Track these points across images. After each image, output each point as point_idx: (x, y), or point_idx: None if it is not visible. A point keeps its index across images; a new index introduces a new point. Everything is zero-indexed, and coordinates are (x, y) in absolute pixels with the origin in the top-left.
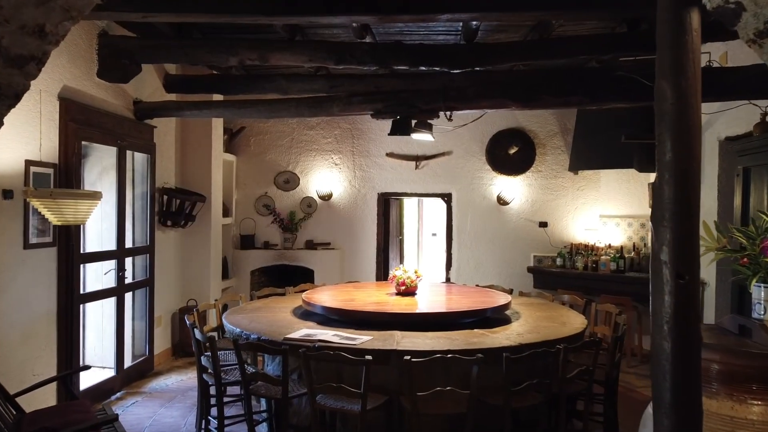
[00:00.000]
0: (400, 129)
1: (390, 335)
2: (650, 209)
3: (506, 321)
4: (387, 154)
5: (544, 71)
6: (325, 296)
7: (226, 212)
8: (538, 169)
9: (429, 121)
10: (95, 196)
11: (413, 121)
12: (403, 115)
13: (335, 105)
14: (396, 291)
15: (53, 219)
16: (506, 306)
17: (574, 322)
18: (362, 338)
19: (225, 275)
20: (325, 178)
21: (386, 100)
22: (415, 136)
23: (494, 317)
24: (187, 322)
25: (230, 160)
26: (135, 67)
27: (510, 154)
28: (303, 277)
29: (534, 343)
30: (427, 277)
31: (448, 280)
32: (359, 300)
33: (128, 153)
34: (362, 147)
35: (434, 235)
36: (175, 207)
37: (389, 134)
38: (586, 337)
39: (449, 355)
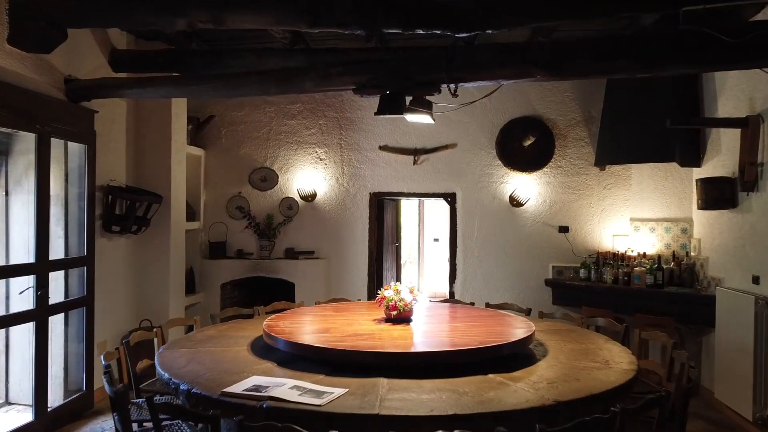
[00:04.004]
0: (390, 107)
1: (373, 386)
2: (696, 210)
3: (529, 359)
4: (380, 147)
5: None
6: (293, 324)
7: (192, 215)
8: (558, 164)
9: (428, 97)
10: None
11: (408, 99)
12: (394, 90)
13: (308, 79)
14: (386, 316)
15: None
16: (529, 339)
17: (618, 359)
18: (332, 392)
19: (191, 289)
20: (308, 175)
21: (373, 71)
22: (409, 117)
23: (513, 352)
24: (102, 363)
25: (197, 155)
26: (59, 34)
27: (524, 146)
28: (283, 291)
29: (575, 400)
30: (429, 287)
31: (452, 295)
32: (337, 330)
33: (57, 142)
34: (351, 139)
35: (436, 240)
36: (123, 209)
37: (376, 113)
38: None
39: (455, 431)
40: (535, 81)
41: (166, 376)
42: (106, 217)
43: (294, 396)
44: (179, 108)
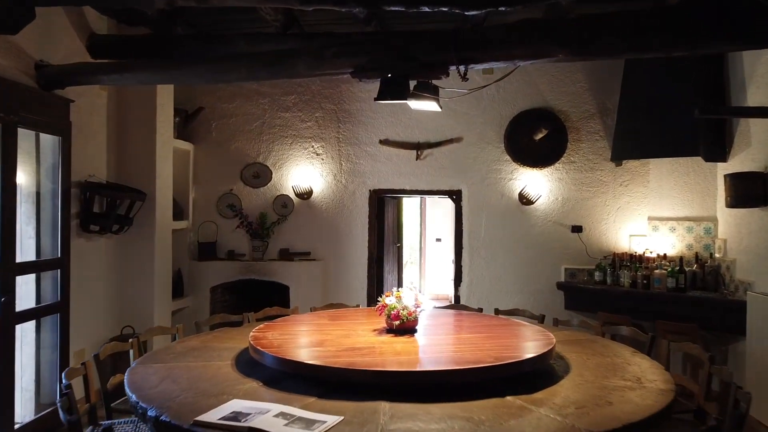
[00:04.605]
0: (392, 91)
1: (372, 412)
2: (722, 208)
3: (550, 376)
4: (381, 142)
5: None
6: (283, 335)
7: (179, 214)
8: (571, 159)
9: (434, 82)
10: None
11: (412, 84)
12: (396, 73)
13: (301, 61)
14: (387, 326)
15: None
16: (550, 353)
17: (651, 376)
18: (324, 421)
19: (178, 293)
20: (303, 171)
21: (372, 52)
22: (413, 103)
23: (533, 368)
24: (63, 383)
25: (185, 149)
26: (26, 12)
27: (535, 140)
28: (277, 295)
29: (612, 431)
30: (431, 289)
31: (457, 299)
32: (332, 343)
33: (27, 134)
34: (350, 132)
35: (439, 240)
36: (103, 207)
37: (376, 98)
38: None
39: None
40: (556, 61)
41: (134, 398)
42: (84, 215)
43: (279, 427)
44: (165, 99)
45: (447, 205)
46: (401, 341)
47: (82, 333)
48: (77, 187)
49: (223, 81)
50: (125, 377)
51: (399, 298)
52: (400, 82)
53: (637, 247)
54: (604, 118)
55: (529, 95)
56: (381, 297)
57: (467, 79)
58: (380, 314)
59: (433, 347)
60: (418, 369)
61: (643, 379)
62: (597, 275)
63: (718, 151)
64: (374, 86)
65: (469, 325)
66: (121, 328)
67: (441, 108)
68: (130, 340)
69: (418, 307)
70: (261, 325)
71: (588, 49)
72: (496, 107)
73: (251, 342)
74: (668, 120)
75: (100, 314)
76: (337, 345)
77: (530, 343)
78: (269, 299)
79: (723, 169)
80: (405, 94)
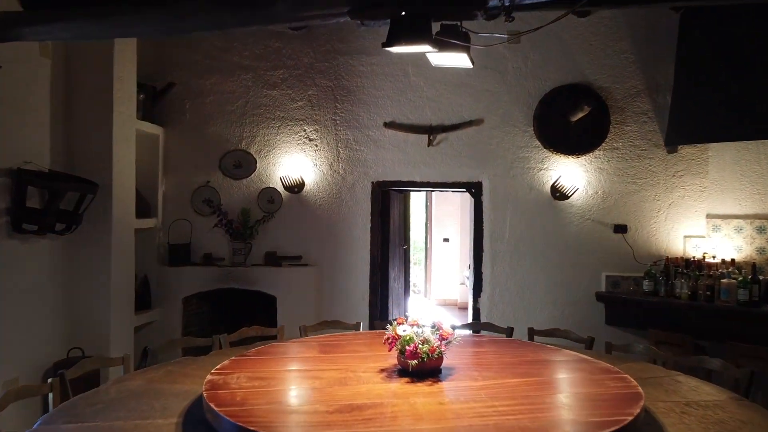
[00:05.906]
0: (407, 34)
1: None
2: None
3: None
4: (385, 124)
5: None
6: (252, 381)
7: (146, 210)
8: (613, 145)
9: (463, 27)
10: None
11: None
12: (411, 11)
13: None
14: (399, 364)
15: None
16: (640, 416)
17: None
18: None
19: (144, 305)
20: (294, 160)
21: None
22: (436, 57)
23: None
24: None
25: (153, 133)
26: None
27: (571, 123)
28: (262, 306)
29: None
30: (437, 293)
31: (476, 312)
32: (323, 393)
33: None
34: (349, 113)
35: (446, 240)
36: (43, 202)
37: (384, 45)
38: None
39: None
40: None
41: None
42: (15, 211)
43: None
44: (125, 70)
45: (456, 201)
46: (421, 392)
47: (16, 358)
48: (6, 175)
49: (179, 31)
50: None
51: (416, 324)
52: (417, 22)
53: (694, 251)
54: (654, 96)
55: (563, 69)
56: (390, 325)
57: (513, 18)
58: (390, 349)
59: (470, 405)
60: None
61: None
62: (646, 285)
63: None
64: (377, 60)
65: (509, 360)
66: (67, 350)
67: (473, 63)
68: (50, 380)
69: (444, 339)
70: (226, 361)
71: None
72: (523, 83)
73: (205, 394)
74: (740, 95)
75: (40, 334)
76: (328, 400)
77: (607, 395)
78: (253, 311)
79: None
80: (425, 38)
